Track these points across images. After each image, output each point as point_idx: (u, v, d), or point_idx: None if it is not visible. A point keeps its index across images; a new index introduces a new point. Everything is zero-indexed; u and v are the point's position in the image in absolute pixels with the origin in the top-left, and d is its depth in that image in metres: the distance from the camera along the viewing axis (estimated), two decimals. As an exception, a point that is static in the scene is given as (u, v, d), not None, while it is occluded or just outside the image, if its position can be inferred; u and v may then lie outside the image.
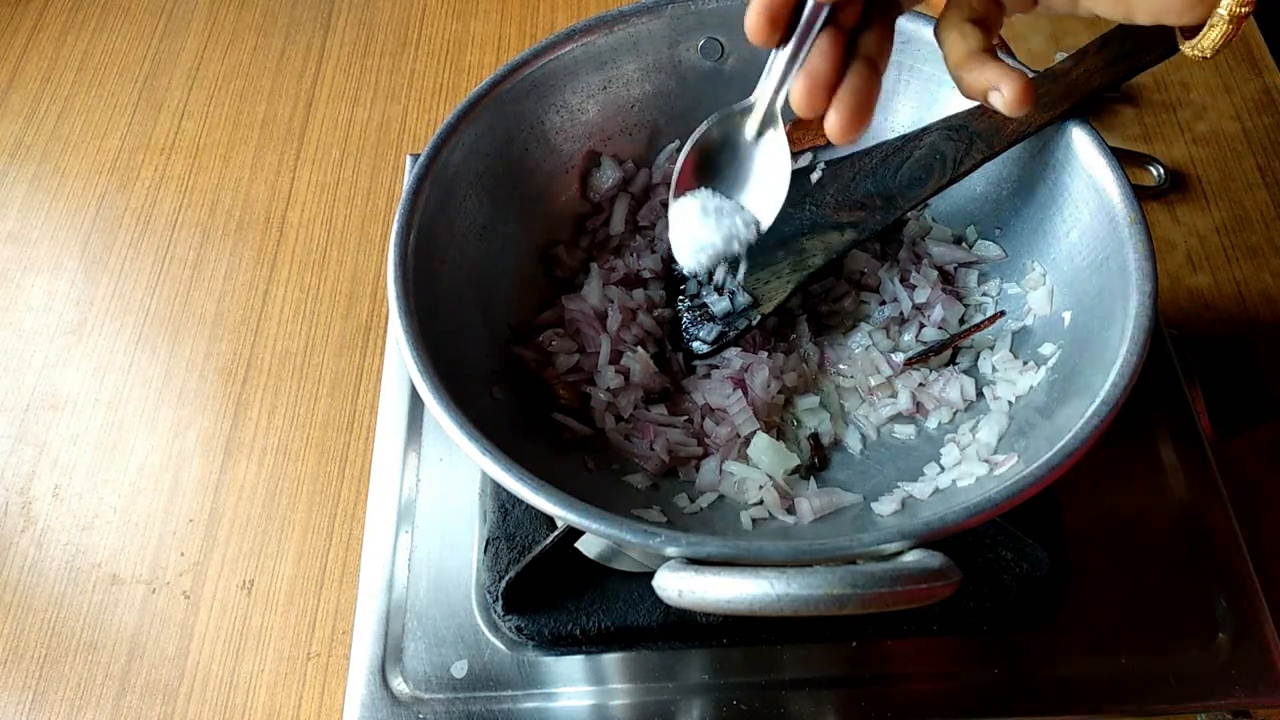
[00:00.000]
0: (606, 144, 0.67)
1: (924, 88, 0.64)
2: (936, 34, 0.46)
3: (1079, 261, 0.57)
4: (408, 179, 0.56)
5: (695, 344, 0.62)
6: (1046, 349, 0.58)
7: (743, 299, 0.61)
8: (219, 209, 1.08)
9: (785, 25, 0.42)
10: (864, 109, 0.44)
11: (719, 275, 0.60)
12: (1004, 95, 0.42)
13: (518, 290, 0.64)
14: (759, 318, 0.61)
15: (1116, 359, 0.48)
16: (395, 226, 0.54)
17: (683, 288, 0.64)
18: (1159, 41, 0.54)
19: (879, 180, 0.59)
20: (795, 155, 0.70)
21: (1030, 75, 0.52)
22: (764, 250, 0.62)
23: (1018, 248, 0.62)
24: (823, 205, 0.61)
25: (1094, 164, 0.55)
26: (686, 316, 0.63)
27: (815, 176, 0.62)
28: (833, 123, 0.43)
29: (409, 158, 0.57)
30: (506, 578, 0.57)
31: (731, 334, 0.61)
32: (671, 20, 0.64)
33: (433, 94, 1.17)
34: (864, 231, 0.60)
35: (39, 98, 1.20)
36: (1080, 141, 0.56)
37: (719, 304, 0.62)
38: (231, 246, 1.05)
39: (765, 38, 0.42)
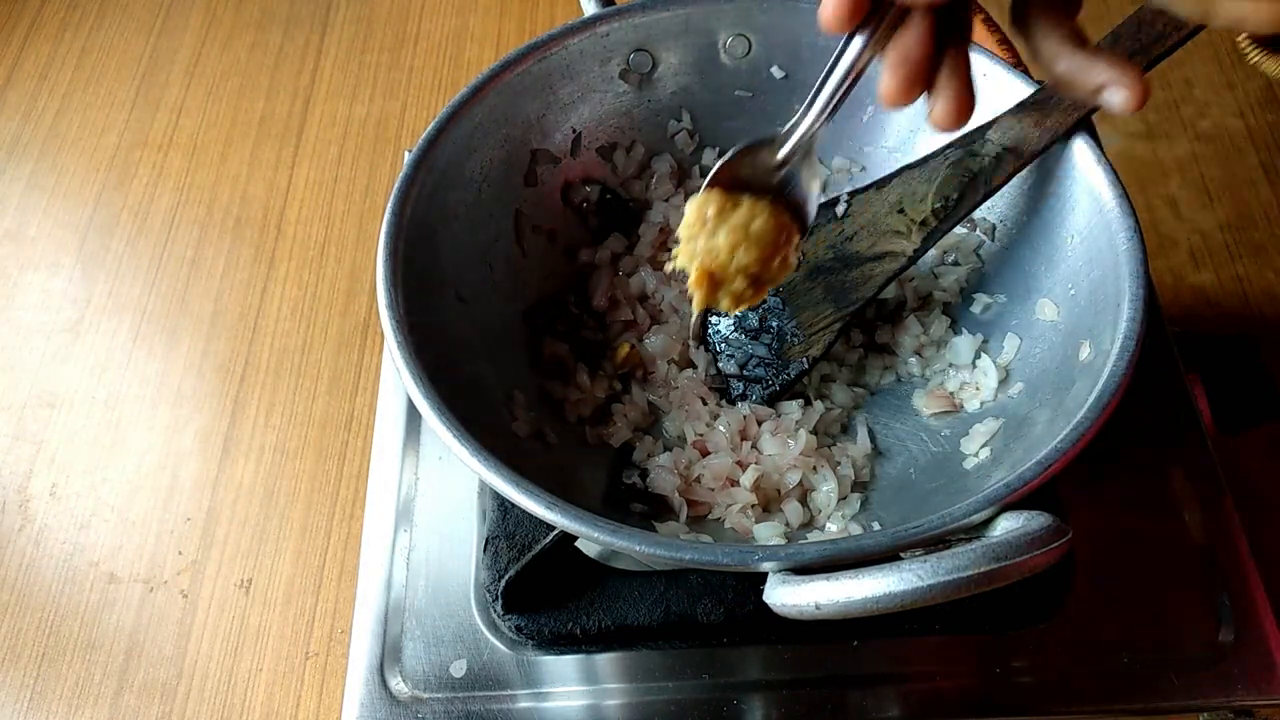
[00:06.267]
0: (598, 138, 0.67)
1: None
2: (1016, 25, 0.40)
3: (1074, 261, 0.57)
4: (401, 173, 0.55)
5: (753, 397, 0.62)
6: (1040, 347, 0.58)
7: (792, 337, 0.61)
8: (217, 206, 1.08)
9: (864, 13, 0.37)
10: (971, 92, 0.39)
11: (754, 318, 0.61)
12: (1121, 97, 0.37)
13: (513, 284, 0.63)
14: (808, 363, 0.61)
15: (1111, 353, 0.48)
16: (386, 219, 0.53)
17: (715, 323, 0.64)
18: (1174, 29, 0.53)
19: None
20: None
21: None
22: (800, 290, 0.62)
23: (1015, 249, 0.62)
24: (855, 238, 0.61)
25: (1087, 165, 0.55)
26: (728, 362, 0.63)
27: (840, 209, 0.61)
28: (941, 110, 0.39)
29: (407, 153, 0.56)
30: (506, 577, 0.57)
31: (783, 383, 0.61)
32: (687, 19, 0.64)
33: (431, 90, 1.17)
34: (905, 258, 0.58)
35: (36, 94, 1.20)
36: (1076, 144, 0.56)
37: (757, 347, 0.62)
38: (229, 244, 1.05)
39: (839, 27, 0.38)
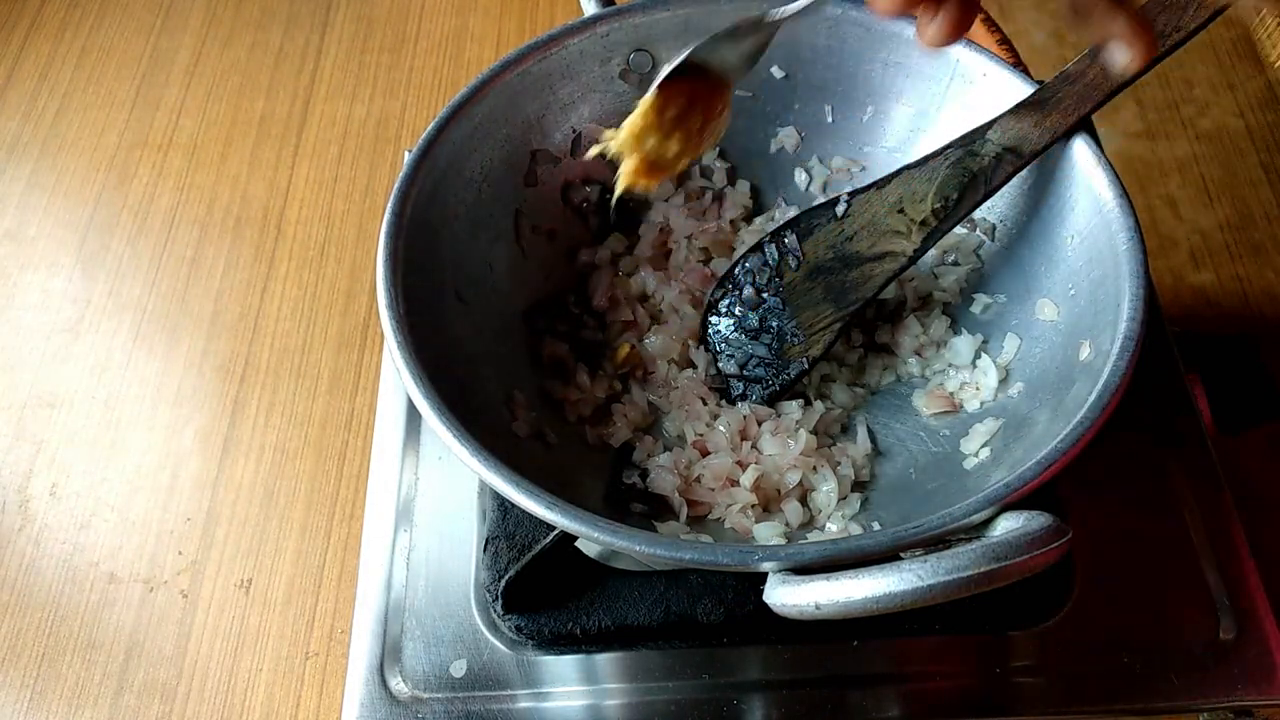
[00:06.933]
0: (598, 138, 0.67)
1: (924, 89, 0.63)
2: None
3: (1074, 261, 0.57)
4: (401, 173, 0.56)
5: (753, 397, 0.62)
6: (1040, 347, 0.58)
7: (792, 337, 0.61)
8: (217, 206, 1.08)
9: None
10: (972, 13, 0.38)
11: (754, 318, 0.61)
12: (1124, 55, 0.38)
13: (513, 284, 0.63)
14: (808, 363, 0.61)
15: (1111, 353, 0.48)
16: (386, 219, 0.53)
17: (715, 323, 0.63)
18: (1174, 30, 0.53)
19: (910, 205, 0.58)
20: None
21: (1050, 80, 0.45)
22: (800, 290, 0.62)
23: (1015, 249, 0.62)
24: (855, 238, 0.61)
25: (1087, 165, 0.55)
26: (728, 362, 0.63)
27: (841, 209, 0.61)
28: (935, 30, 0.38)
29: (407, 153, 0.56)
30: (506, 577, 0.57)
31: (783, 383, 0.61)
32: (687, 19, 0.64)
33: (431, 89, 1.17)
34: (905, 258, 0.58)
35: (36, 94, 1.20)
36: (1076, 144, 0.56)
37: (757, 348, 0.62)
38: (229, 243, 1.05)
39: (895, 12, 0.38)
